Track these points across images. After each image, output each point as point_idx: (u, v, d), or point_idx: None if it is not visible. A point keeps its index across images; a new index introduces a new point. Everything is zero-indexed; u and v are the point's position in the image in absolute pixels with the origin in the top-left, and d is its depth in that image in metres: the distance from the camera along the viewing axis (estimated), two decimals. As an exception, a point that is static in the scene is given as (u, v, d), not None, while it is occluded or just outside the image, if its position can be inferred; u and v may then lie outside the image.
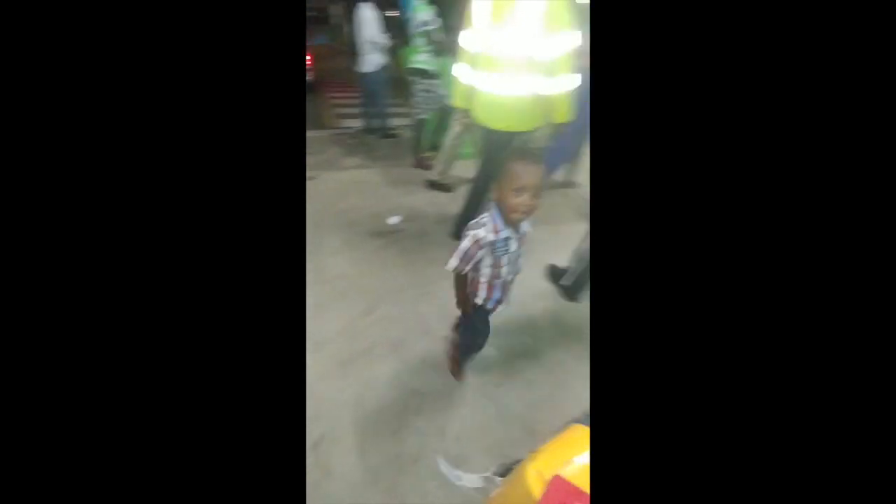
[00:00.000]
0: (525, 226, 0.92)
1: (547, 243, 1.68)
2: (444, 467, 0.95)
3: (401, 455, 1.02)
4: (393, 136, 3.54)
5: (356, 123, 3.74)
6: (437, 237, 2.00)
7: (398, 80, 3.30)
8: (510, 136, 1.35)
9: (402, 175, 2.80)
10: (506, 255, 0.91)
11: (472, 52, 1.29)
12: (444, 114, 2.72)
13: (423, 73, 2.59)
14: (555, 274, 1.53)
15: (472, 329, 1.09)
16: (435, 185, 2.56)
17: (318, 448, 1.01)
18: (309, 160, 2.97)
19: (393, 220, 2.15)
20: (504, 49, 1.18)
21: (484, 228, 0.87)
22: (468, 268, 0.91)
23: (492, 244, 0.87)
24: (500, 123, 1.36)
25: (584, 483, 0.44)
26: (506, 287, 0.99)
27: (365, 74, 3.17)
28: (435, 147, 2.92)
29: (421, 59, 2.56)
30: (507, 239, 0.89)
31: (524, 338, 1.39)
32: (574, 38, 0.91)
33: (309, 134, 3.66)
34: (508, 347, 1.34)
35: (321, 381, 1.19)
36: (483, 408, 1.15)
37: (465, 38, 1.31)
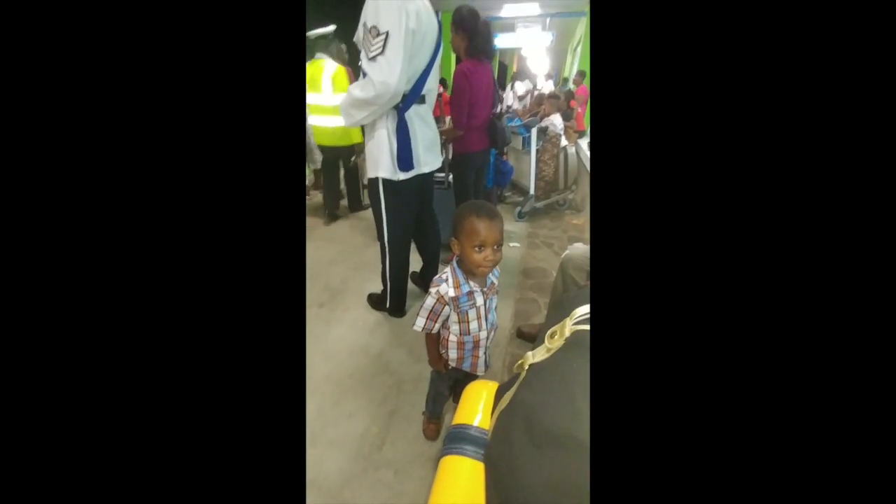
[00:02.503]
0: (491, 277, 0.91)
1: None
2: None
3: None
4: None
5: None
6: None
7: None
8: (337, 150, 2.47)
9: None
10: (472, 310, 0.88)
11: (311, 104, 2.35)
12: None
13: None
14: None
15: (434, 388, 1.07)
16: None
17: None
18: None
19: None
20: (321, 101, 2.30)
21: (445, 284, 0.85)
22: (437, 326, 0.90)
23: (455, 300, 0.85)
24: (328, 142, 2.44)
25: None
26: (478, 346, 0.95)
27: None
28: None
29: None
30: (470, 293, 0.86)
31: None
32: (349, 92, 1.26)
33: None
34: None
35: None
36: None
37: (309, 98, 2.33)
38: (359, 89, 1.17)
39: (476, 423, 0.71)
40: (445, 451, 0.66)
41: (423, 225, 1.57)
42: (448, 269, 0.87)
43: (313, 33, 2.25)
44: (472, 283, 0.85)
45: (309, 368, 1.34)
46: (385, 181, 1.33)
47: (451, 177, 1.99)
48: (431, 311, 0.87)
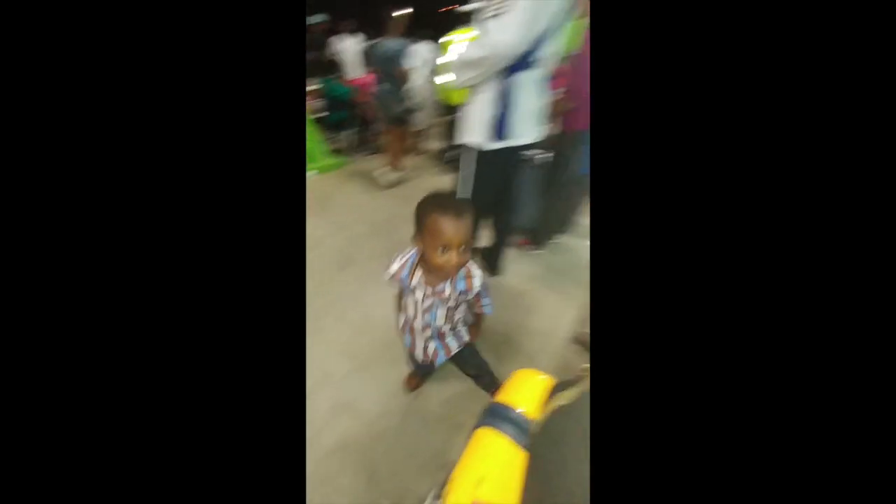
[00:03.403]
0: (462, 283, 0.78)
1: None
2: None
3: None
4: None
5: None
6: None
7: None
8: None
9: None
10: (409, 297, 0.82)
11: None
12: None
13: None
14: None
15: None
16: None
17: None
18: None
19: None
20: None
21: (399, 258, 0.79)
22: (396, 291, 0.88)
23: (401, 281, 0.80)
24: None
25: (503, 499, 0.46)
26: (414, 334, 0.89)
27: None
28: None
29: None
30: (412, 287, 0.79)
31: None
32: (462, 51, 1.19)
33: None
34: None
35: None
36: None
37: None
38: (472, 48, 1.12)
39: (520, 409, 0.66)
40: (484, 423, 0.63)
41: (502, 201, 1.49)
42: (414, 250, 0.78)
43: None
44: (422, 278, 0.77)
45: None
46: (472, 148, 1.27)
47: (550, 155, 1.81)
48: (392, 275, 0.81)
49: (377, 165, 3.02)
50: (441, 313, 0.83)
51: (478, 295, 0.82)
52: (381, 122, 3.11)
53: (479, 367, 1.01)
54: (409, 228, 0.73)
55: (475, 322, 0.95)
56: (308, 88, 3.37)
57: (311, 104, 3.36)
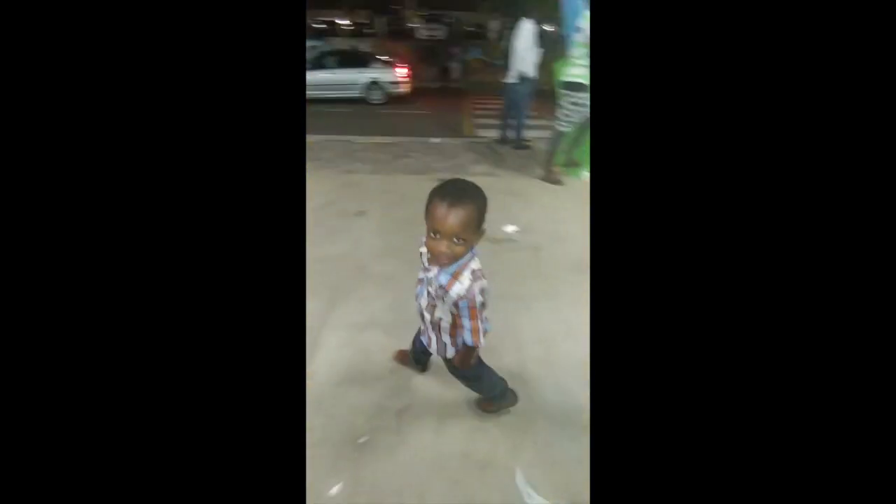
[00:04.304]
0: (445, 278, 0.74)
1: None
2: (520, 480, 0.96)
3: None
4: (526, 147, 3.59)
5: (493, 133, 3.95)
6: (551, 252, 1.97)
7: (543, 92, 3.38)
8: None
9: (525, 186, 2.83)
10: (424, 293, 0.83)
11: None
12: (585, 128, 2.68)
13: (576, 87, 2.57)
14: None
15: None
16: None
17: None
18: (440, 164, 3.30)
19: (509, 228, 2.21)
20: None
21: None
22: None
23: (420, 256, 0.82)
24: None
25: None
26: (422, 318, 0.88)
27: (509, 85, 3.34)
28: (569, 162, 2.92)
29: (576, 72, 2.55)
30: (429, 278, 0.79)
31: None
32: None
33: (447, 140, 4.03)
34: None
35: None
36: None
37: None
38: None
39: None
40: None
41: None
42: None
43: None
44: (425, 258, 0.78)
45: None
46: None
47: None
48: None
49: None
50: (424, 296, 0.84)
51: (458, 309, 0.76)
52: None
53: (469, 376, 0.97)
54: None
55: (461, 350, 0.86)
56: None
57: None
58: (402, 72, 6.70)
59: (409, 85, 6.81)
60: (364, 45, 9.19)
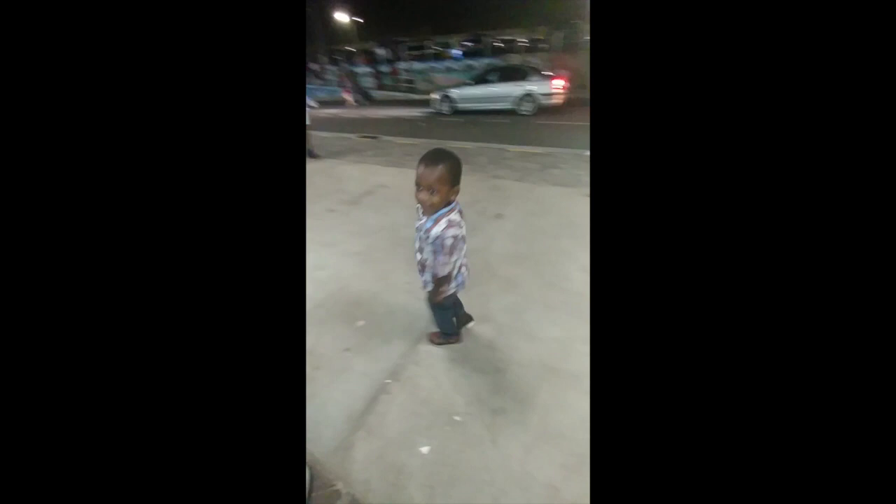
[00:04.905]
0: (430, 224, 0.98)
1: None
2: None
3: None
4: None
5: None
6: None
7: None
8: None
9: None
10: (416, 239, 1.09)
11: None
12: None
13: None
14: None
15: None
16: None
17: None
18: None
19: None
20: None
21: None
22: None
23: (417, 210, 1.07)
24: None
25: None
26: (423, 266, 1.11)
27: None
28: None
29: None
30: (419, 225, 1.05)
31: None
32: None
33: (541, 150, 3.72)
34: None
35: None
36: None
37: None
38: None
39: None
40: None
41: None
42: None
43: None
44: (421, 212, 1.03)
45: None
46: None
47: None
48: None
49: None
50: (417, 238, 1.08)
51: (433, 247, 1.00)
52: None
53: (433, 308, 1.24)
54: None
55: (436, 282, 1.09)
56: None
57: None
58: (558, 84, 6.60)
59: (562, 97, 6.69)
60: (536, 60, 9.42)
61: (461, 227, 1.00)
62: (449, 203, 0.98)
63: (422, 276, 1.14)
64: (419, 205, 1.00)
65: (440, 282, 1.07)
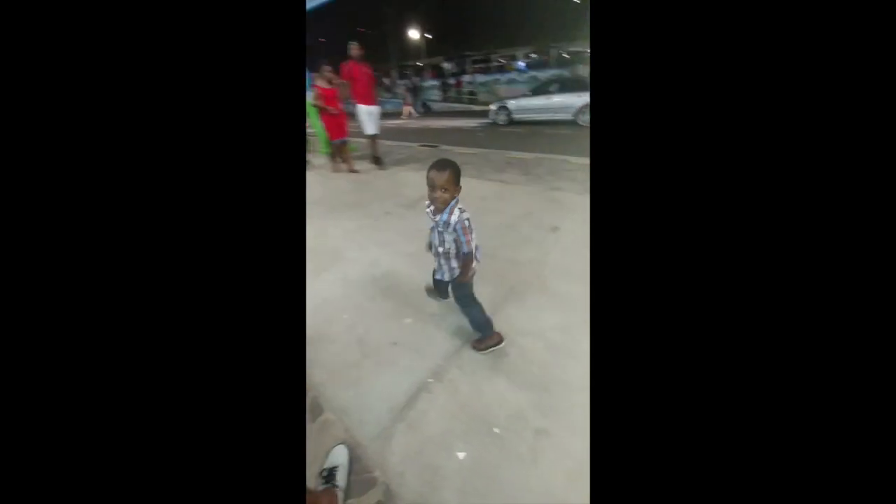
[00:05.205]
0: (446, 216, 1.18)
1: None
2: None
3: None
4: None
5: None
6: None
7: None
8: None
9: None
10: (434, 232, 1.27)
11: None
12: None
13: None
14: None
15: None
16: None
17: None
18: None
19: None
20: None
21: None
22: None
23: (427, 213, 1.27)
24: None
25: None
26: (439, 262, 1.32)
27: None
28: None
29: None
30: (436, 221, 1.22)
31: None
32: None
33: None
34: None
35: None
36: None
37: None
38: None
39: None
40: None
41: None
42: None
43: None
44: (432, 212, 1.23)
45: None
46: None
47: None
48: None
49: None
50: (436, 235, 1.26)
51: (456, 232, 1.19)
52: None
53: (464, 302, 1.34)
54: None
55: (463, 261, 1.26)
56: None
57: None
58: (623, 95, 6.19)
59: (626, 109, 6.24)
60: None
61: (465, 211, 1.24)
62: (454, 198, 1.23)
63: (448, 264, 1.30)
64: (430, 206, 1.23)
65: (467, 258, 1.25)
